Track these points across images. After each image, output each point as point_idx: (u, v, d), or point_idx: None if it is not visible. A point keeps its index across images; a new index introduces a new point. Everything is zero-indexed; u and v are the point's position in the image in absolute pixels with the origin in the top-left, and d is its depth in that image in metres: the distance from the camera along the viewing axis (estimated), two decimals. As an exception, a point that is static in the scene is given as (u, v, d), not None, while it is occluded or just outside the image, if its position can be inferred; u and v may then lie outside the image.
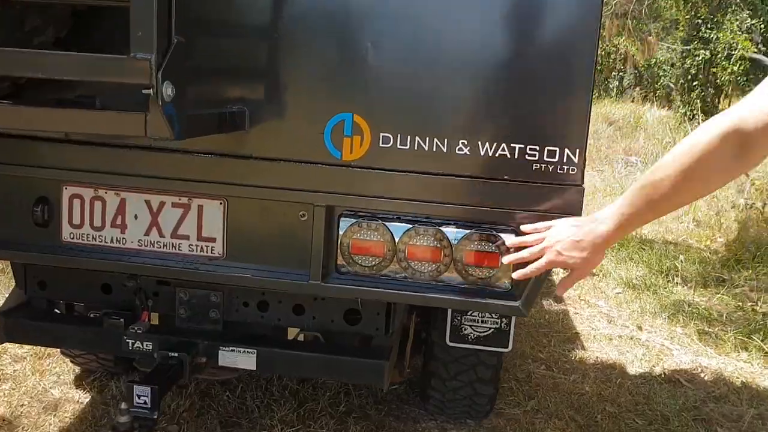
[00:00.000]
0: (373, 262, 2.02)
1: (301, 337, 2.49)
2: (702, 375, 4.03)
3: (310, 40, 1.92)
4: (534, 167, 1.90)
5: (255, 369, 2.26)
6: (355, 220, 2.01)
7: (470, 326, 2.49)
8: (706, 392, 3.83)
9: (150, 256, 2.10)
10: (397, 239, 2.00)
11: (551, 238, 1.78)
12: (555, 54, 1.85)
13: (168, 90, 1.41)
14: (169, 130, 1.48)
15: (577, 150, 1.88)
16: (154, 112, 1.46)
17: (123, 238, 2.10)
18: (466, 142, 1.91)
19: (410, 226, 1.99)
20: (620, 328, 4.60)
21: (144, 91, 1.42)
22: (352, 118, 1.92)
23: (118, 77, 1.48)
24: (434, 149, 1.92)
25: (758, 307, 5.08)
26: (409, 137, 1.92)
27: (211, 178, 2.02)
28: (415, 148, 1.92)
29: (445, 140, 1.91)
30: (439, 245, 1.99)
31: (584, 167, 1.90)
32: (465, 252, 1.98)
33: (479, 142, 1.90)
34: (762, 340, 4.44)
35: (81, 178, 2.08)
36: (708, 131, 1.41)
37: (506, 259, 1.91)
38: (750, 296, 5.34)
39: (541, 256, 1.79)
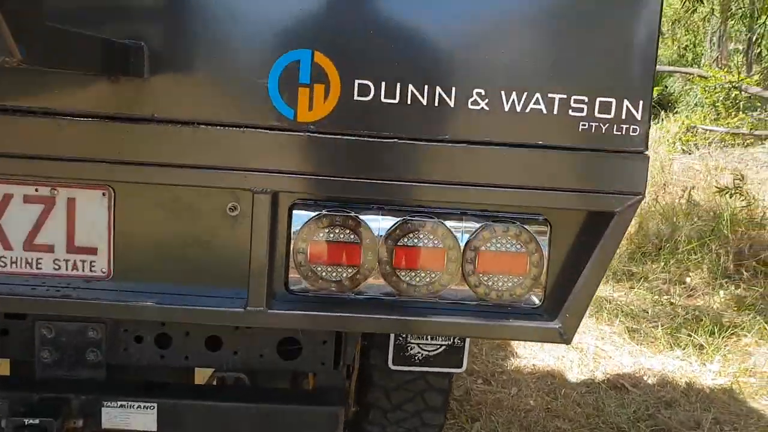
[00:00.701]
0: (344, 274, 1.35)
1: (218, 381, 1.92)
2: (645, 378, 3.94)
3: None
4: (581, 127, 1.29)
5: (155, 430, 1.68)
6: (315, 213, 1.33)
7: (417, 344, 2.02)
8: (656, 397, 3.75)
9: (-8, 280, 1.33)
10: (379, 239, 1.34)
11: None
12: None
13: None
14: (10, 44, 0.76)
15: (641, 103, 1.29)
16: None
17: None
18: (482, 92, 1.27)
19: (398, 219, 1.34)
20: (548, 331, 4.38)
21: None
22: (312, 57, 1.25)
23: None
24: (436, 102, 1.27)
25: (675, 300, 5.18)
26: (398, 85, 1.26)
27: (89, 155, 1.28)
28: (407, 101, 1.27)
29: (453, 89, 1.27)
30: (441, 245, 1.34)
31: (649, 127, 1.31)
32: (478, 254, 1.35)
33: (502, 92, 1.27)
34: (689, 335, 4.48)
35: None
36: None
37: None
38: (664, 289, 5.45)
39: None
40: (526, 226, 1.36)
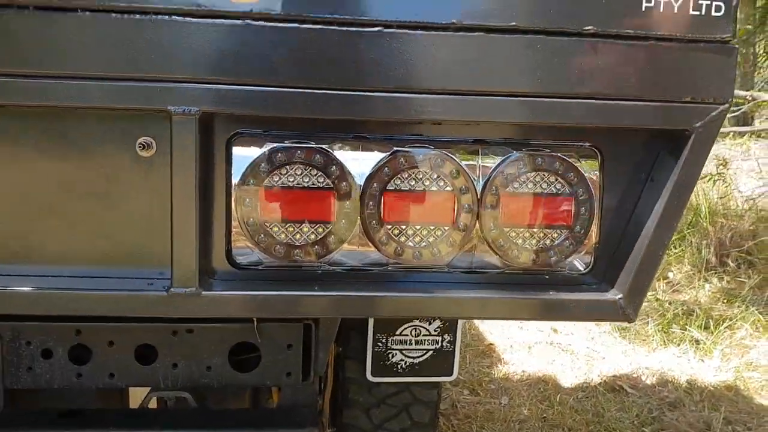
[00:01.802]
0: (314, 235, 0.92)
1: (154, 403, 1.59)
2: (644, 378, 3.70)
3: None
4: (644, 4, 0.89)
5: None
6: (266, 148, 0.91)
7: (400, 351, 1.78)
8: (658, 398, 3.50)
9: None
10: (360, 181, 0.91)
11: None
12: None
13: None
14: None
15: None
16: None
17: None
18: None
19: (387, 153, 0.92)
20: (535, 334, 4.20)
21: None
22: None
23: None
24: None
25: (661, 296, 4.95)
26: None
27: None
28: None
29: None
30: (449, 188, 0.93)
31: (737, 4, 0.92)
32: (500, 198, 0.94)
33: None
34: (683, 330, 4.29)
35: None
36: None
37: None
38: (648, 285, 5.35)
39: None
40: (567, 157, 0.95)
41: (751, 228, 6.05)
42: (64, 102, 0.85)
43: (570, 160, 0.96)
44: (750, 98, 10.66)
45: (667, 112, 0.93)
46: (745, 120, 12.80)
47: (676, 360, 3.98)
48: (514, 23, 0.88)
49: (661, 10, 0.90)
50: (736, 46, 0.93)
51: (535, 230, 0.96)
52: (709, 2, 0.90)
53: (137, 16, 0.84)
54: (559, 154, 0.96)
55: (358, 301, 0.93)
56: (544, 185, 0.96)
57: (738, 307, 4.77)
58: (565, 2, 0.89)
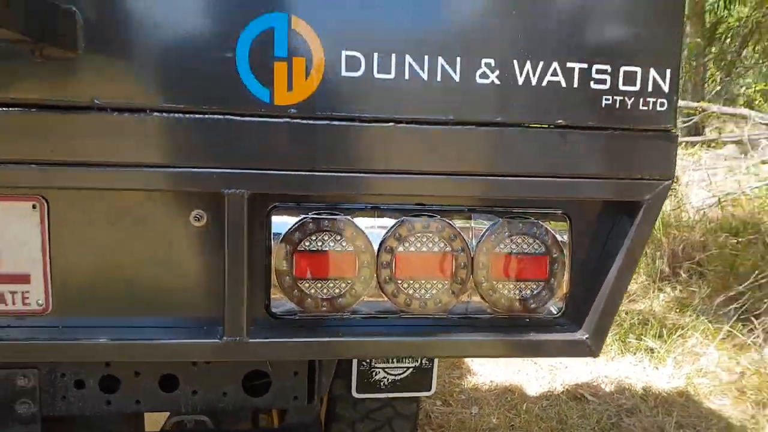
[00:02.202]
0: (338, 290, 1.12)
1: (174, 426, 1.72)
2: (603, 386, 3.94)
3: None
4: (604, 101, 1.11)
5: None
6: (300, 218, 1.10)
7: (383, 369, 1.88)
8: (616, 405, 3.75)
9: None
10: (376, 245, 1.12)
11: None
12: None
13: None
14: None
15: (669, 72, 1.13)
16: None
17: None
18: (492, 63, 1.08)
19: (396, 221, 1.13)
20: (500, 346, 4.40)
21: None
22: (289, 23, 1.03)
23: None
24: (438, 76, 1.07)
25: None
26: (394, 57, 1.05)
27: (12, 156, 1.01)
28: (406, 76, 1.06)
29: (457, 59, 1.07)
30: (450, 250, 1.14)
31: (677, 100, 1.15)
32: (491, 257, 1.15)
33: (514, 62, 1.08)
34: (639, 340, 4.50)
35: None
36: None
37: None
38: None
39: None
40: (542, 223, 1.17)
41: (701, 239, 6.34)
42: (139, 186, 1.03)
43: (545, 225, 1.17)
44: (701, 109, 11.09)
45: (622, 187, 1.15)
46: (696, 130, 13.26)
47: (632, 368, 4.22)
48: (499, 119, 1.10)
49: (617, 106, 1.12)
50: (677, 133, 1.15)
51: (518, 283, 1.17)
52: (655, 100, 1.13)
53: (197, 116, 1.03)
54: (536, 220, 1.17)
55: (375, 345, 1.12)
56: (525, 246, 1.17)
57: (689, 316, 5.04)
58: (542, 101, 1.10)
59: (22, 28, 0.83)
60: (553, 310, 1.20)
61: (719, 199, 8.16)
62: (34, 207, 1.06)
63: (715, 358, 4.41)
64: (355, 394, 1.90)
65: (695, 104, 11.24)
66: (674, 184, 6.63)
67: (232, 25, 1.02)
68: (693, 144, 12.24)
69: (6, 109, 0.99)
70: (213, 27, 1.02)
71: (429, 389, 1.95)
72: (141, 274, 1.11)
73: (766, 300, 4.98)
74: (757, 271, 5.27)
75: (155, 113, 1.02)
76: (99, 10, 0.99)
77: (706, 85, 14.85)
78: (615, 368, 4.18)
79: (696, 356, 4.45)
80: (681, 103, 10.55)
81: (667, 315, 5.18)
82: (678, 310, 5.24)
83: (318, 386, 1.61)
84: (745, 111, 11.19)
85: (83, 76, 1.00)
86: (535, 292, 1.17)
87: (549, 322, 1.20)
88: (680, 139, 10.98)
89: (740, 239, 6.50)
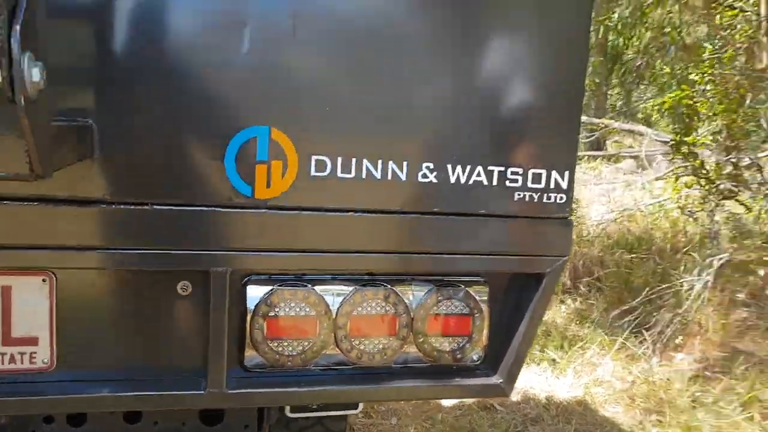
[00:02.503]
0: (301, 347, 1.36)
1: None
2: (511, 397, 4.18)
3: (198, 11, 1.22)
4: (517, 196, 1.41)
5: None
6: (271, 288, 1.34)
7: None
8: (522, 414, 4.04)
9: None
10: (334, 309, 1.37)
11: None
12: (541, 51, 1.38)
13: (36, 73, 0.66)
14: (38, 160, 0.72)
15: (566, 174, 1.43)
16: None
17: None
18: (431, 166, 1.35)
19: (352, 288, 1.38)
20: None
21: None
22: (269, 133, 1.26)
23: None
24: (389, 176, 1.33)
25: None
26: (353, 160, 1.31)
27: (29, 242, 1.20)
28: (363, 176, 1.32)
29: (404, 163, 1.34)
30: (394, 312, 1.40)
31: (573, 194, 1.46)
32: (428, 318, 1.42)
33: (448, 165, 1.36)
34: (542, 351, 4.80)
35: None
36: None
37: None
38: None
39: None
40: (468, 289, 1.45)
41: (599, 255, 6.84)
42: (137, 266, 1.24)
43: (469, 290, 1.45)
44: (602, 125, 11.81)
45: (529, 262, 1.45)
46: (598, 145, 14.06)
47: (537, 378, 4.54)
48: (436, 209, 1.37)
49: (527, 200, 1.41)
50: (572, 220, 1.46)
51: (448, 337, 1.45)
52: (555, 195, 1.43)
53: (190, 207, 1.25)
54: (462, 287, 1.45)
55: (331, 393, 1.37)
56: (453, 308, 1.44)
57: (588, 328, 5.49)
58: (469, 196, 1.38)
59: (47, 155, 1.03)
60: (475, 358, 1.48)
61: (616, 215, 8.78)
62: (44, 281, 1.25)
63: (610, 368, 4.83)
64: (288, 414, 2.01)
65: (597, 120, 11.96)
66: (575, 200, 7.12)
67: (223, 133, 1.24)
68: (594, 158, 13.00)
69: (28, 203, 1.18)
70: (206, 134, 1.24)
71: (356, 407, 2.08)
72: (134, 335, 1.31)
73: (655, 314, 5.48)
74: (648, 288, 5.77)
75: (155, 206, 1.23)
76: (110, 122, 1.20)
77: (608, 102, 15.71)
78: (521, 378, 4.54)
79: (593, 366, 4.85)
80: (584, 118, 11.23)
81: (568, 326, 5.57)
82: (578, 322, 5.64)
83: (268, 415, 1.83)
84: (642, 128, 12.02)
85: (95, 176, 1.20)
86: (461, 345, 1.45)
87: (471, 369, 1.49)
88: (582, 153, 11.60)
89: (634, 255, 7.05)
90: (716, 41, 7.50)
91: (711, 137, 8.07)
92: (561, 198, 1.43)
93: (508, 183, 1.40)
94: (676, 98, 8.22)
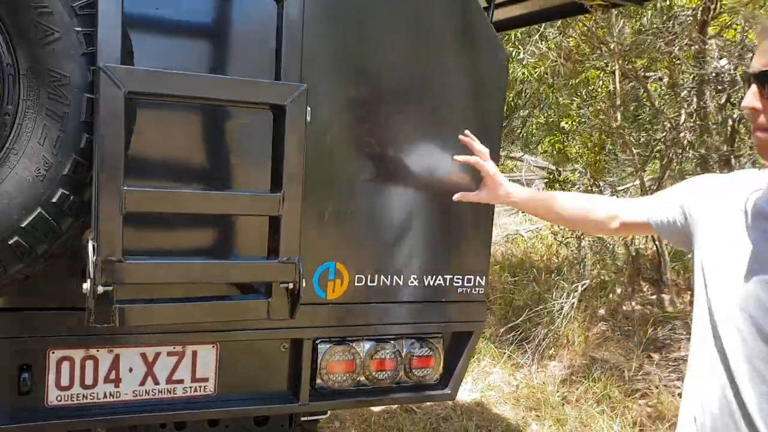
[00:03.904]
0: (345, 378, 2.50)
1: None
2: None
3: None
4: (459, 290, 2.61)
5: None
6: (329, 345, 2.47)
7: None
8: (435, 414, 5.17)
9: (146, 407, 2.24)
10: (362, 356, 2.51)
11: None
12: (470, 223, 2.60)
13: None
14: (288, 309, 1.84)
15: (484, 276, 2.65)
16: (278, 296, 1.81)
17: (117, 392, 2.21)
18: (416, 276, 2.53)
19: (373, 343, 2.53)
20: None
21: (282, 285, 1.77)
22: (335, 266, 2.40)
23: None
24: (393, 283, 2.50)
25: None
26: (377, 276, 2.47)
27: (206, 327, 2.27)
28: (380, 284, 2.48)
29: (402, 276, 2.51)
30: (394, 356, 2.56)
31: (487, 287, 2.67)
32: (411, 359, 2.59)
33: (425, 276, 2.55)
34: None
35: (71, 342, 2.13)
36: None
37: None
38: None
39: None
40: (433, 341, 2.63)
41: (489, 278, 8.19)
42: (265, 338, 2.35)
43: (433, 342, 2.63)
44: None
45: (465, 325, 2.64)
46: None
47: None
48: (418, 299, 2.55)
49: (465, 292, 2.61)
50: (486, 301, 2.67)
51: (421, 368, 2.62)
52: (479, 288, 2.63)
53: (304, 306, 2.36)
54: (430, 340, 2.62)
55: (348, 403, 2.52)
56: (424, 351, 2.62)
57: (482, 342, 6.79)
58: (436, 291, 2.57)
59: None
60: (435, 378, 2.67)
61: (502, 239, 10.23)
62: (213, 347, 2.32)
63: (500, 375, 6.13)
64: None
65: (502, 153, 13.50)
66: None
67: (312, 267, 2.36)
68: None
69: (202, 302, 2.25)
70: (306, 269, 2.35)
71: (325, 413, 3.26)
72: (259, 374, 2.41)
73: (533, 330, 6.85)
74: (527, 308, 7.16)
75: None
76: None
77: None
78: (434, 387, 5.78)
79: (487, 374, 6.10)
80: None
81: (466, 342, 6.81)
82: (475, 338, 6.91)
83: (295, 418, 2.92)
84: (520, 155, 13.66)
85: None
86: (428, 372, 2.63)
87: (433, 385, 2.67)
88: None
89: (516, 278, 8.44)
90: (582, 99, 9.13)
91: (578, 174, 9.74)
92: (481, 289, 2.64)
93: (455, 284, 2.59)
94: (551, 142, 9.82)
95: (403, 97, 2.39)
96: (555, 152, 9.92)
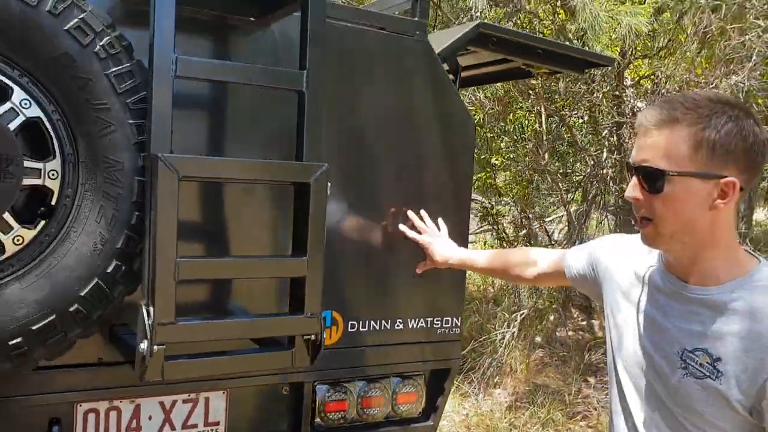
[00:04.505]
0: (340, 416, 2.76)
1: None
2: None
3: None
4: (438, 331, 2.92)
5: None
6: (326, 387, 2.73)
7: None
8: None
9: (164, 450, 2.45)
10: (355, 395, 2.78)
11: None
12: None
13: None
14: (309, 358, 2.10)
15: (459, 317, 2.97)
16: (300, 347, 2.07)
17: (137, 440, 2.40)
18: (401, 320, 2.82)
19: (363, 384, 2.80)
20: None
21: (305, 337, 2.04)
22: (331, 314, 2.67)
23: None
24: (382, 328, 2.78)
25: None
26: (368, 322, 2.75)
27: (218, 376, 2.49)
28: (371, 329, 2.76)
29: (389, 321, 2.80)
30: (382, 394, 2.84)
31: (462, 326, 2.99)
32: (398, 395, 2.88)
33: (409, 320, 2.84)
34: None
35: (96, 395, 2.32)
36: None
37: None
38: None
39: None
40: (416, 378, 2.92)
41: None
42: (266, 383, 2.58)
43: (416, 379, 2.92)
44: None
45: (444, 362, 2.95)
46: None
47: None
48: (403, 342, 2.84)
49: (444, 332, 2.92)
50: (459, 336, 2.99)
51: (407, 404, 2.90)
52: (455, 328, 2.95)
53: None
54: (413, 378, 2.91)
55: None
56: (408, 389, 2.90)
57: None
58: (419, 332, 2.87)
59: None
60: (419, 412, 2.95)
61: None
62: (223, 393, 2.54)
63: (450, 404, 6.47)
64: None
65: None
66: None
67: (310, 316, 2.62)
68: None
69: (215, 356, 2.48)
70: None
71: None
72: (260, 416, 2.63)
73: (479, 359, 7.22)
74: (472, 339, 7.53)
75: (276, 352, 2.58)
76: (262, 314, 2.54)
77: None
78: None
79: (438, 404, 6.48)
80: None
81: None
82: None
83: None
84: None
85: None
86: (412, 406, 2.92)
87: (417, 418, 2.95)
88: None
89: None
90: (512, 139, 9.68)
91: (509, 207, 10.27)
92: (457, 329, 2.96)
93: (435, 325, 2.90)
94: (482, 178, 10.34)
95: (390, 164, 2.71)
96: (486, 188, 10.43)
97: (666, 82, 6.99)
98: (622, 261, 1.75)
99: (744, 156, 1.41)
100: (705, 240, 1.47)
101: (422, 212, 2.73)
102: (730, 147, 1.39)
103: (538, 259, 2.23)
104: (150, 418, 2.42)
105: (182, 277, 1.84)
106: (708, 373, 1.44)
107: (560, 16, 7.94)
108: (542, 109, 8.45)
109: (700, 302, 1.49)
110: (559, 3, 7.62)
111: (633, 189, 1.48)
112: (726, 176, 1.40)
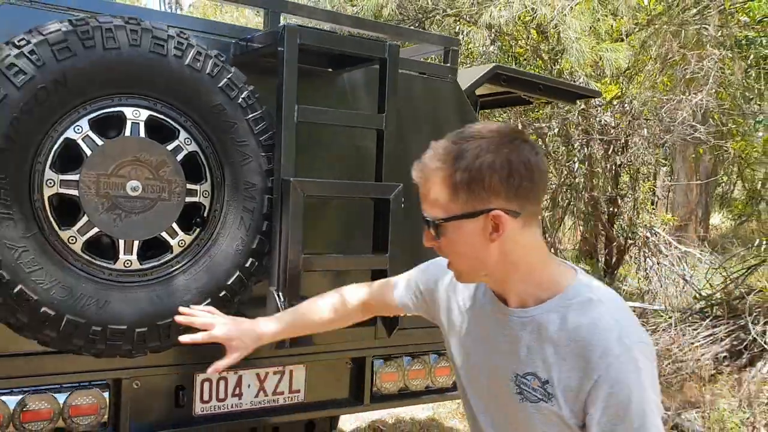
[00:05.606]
0: (392, 385, 3.41)
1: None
2: (389, 420, 6.13)
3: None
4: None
5: None
6: (381, 361, 3.37)
7: None
8: (399, 430, 6.09)
9: (260, 412, 3.06)
10: (404, 368, 3.43)
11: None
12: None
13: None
14: (387, 332, 2.75)
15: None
16: (379, 324, 2.73)
17: (240, 403, 3.02)
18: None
19: (410, 358, 3.45)
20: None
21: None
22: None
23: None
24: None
25: None
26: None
27: (300, 353, 3.11)
28: (415, 314, 3.42)
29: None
30: (424, 368, 3.49)
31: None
32: (435, 369, 3.53)
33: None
34: None
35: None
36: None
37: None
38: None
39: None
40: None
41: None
42: (336, 359, 3.23)
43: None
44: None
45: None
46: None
47: (404, 409, 6.66)
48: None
49: (470, 317, 3.59)
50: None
51: (442, 377, 3.56)
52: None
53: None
54: (444, 354, 3.57)
55: (403, 403, 3.42)
56: (443, 363, 3.56)
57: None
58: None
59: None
60: (452, 383, 3.61)
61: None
62: (303, 366, 3.17)
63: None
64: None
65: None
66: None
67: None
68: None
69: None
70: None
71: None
72: (331, 383, 3.26)
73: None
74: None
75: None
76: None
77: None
78: (400, 410, 6.32)
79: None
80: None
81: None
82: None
83: (335, 420, 3.77)
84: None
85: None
86: (446, 379, 3.57)
87: (449, 388, 3.60)
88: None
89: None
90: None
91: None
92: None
93: (463, 311, 3.56)
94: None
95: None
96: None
97: (632, 102, 7.80)
98: (451, 286, 1.72)
99: (503, 186, 1.38)
100: (502, 269, 1.46)
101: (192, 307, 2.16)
102: (485, 182, 1.37)
103: (369, 295, 2.03)
104: (249, 386, 3.03)
105: (306, 269, 2.48)
106: (541, 396, 1.43)
107: (533, 37, 8.73)
108: (519, 123, 9.19)
109: (522, 325, 1.48)
110: (533, 24, 8.40)
111: (425, 237, 1.50)
112: (492, 209, 1.38)
